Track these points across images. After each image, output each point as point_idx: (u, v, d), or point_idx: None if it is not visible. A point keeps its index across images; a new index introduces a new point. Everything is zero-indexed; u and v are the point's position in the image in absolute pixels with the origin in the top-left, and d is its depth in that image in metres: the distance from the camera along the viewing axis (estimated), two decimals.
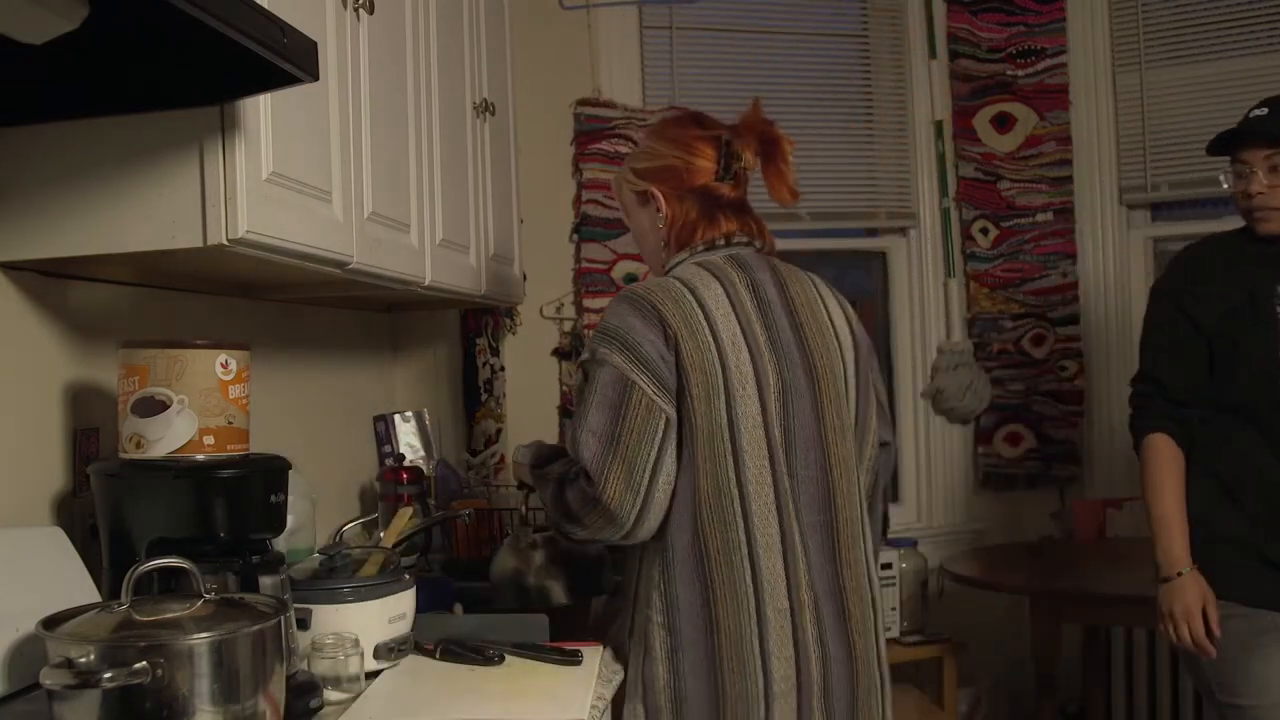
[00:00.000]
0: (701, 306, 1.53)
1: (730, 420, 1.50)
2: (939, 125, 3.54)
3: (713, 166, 1.65)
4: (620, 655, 1.59)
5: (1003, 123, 3.50)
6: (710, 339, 1.51)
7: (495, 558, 1.82)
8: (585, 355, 1.55)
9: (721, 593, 1.48)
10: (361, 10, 1.60)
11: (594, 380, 1.50)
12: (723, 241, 1.63)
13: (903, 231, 3.61)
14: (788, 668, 1.48)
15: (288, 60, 1.12)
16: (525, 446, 1.71)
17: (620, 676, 1.55)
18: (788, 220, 3.50)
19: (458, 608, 1.74)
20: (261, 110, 1.30)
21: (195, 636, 1.02)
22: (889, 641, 3.00)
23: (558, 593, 1.75)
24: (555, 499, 1.52)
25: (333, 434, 2.35)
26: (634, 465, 1.46)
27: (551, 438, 2.86)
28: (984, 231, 3.51)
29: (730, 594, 1.48)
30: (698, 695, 1.47)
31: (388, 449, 2.43)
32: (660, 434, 1.47)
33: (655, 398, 1.48)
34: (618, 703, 1.55)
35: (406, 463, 2.30)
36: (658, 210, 1.66)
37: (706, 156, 1.65)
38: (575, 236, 3.11)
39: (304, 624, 1.41)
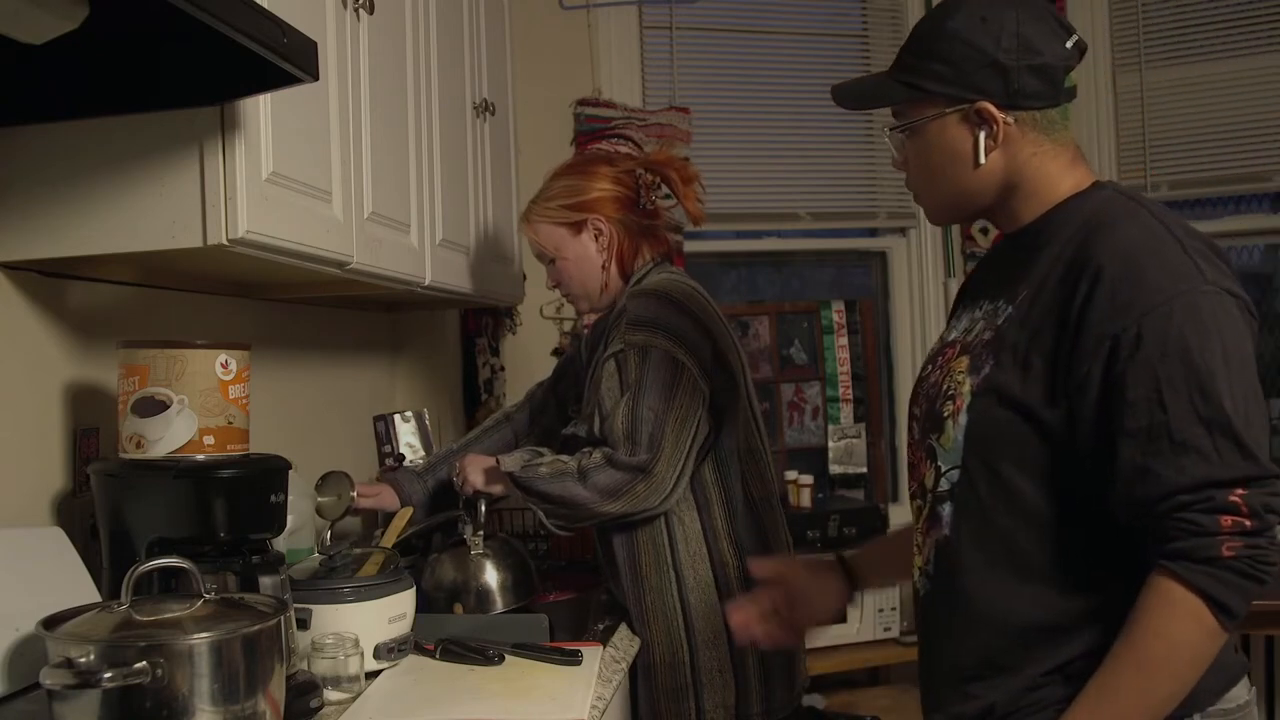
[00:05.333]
0: (708, 300, 1.80)
1: (748, 394, 1.81)
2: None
3: (634, 196, 1.86)
4: (656, 624, 1.75)
5: None
6: (724, 326, 1.79)
7: (431, 568, 1.76)
8: (618, 346, 1.70)
9: (772, 534, 1.79)
10: (361, 10, 1.60)
11: (643, 364, 1.67)
12: (660, 259, 1.87)
13: (903, 231, 3.61)
14: None
15: (288, 60, 1.12)
16: (510, 455, 1.76)
17: (620, 675, 1.56)
18: (788, 220, 3.50)
19: (458, 607, 1.74)
20: (261, 110, 1.30)
21: (195, 636, 1.02)
22: (890, 641, 3.01)
23: (499, 599, 1.74)
24: (580, 486, 1.66)
25: (333, 434, 2.35)
26: (680, 437, 1.66)
27: None
28: (984, 231, 3.51)
29: (775, 534, 1.80)
30: None
31: (388, 449, 2.43)
32: (700, 410, 1.69)
33: (699, 379, 1.69)
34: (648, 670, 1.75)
35: (406, 463, 2.29)
36: (597, 235, 1.84)
37: (628, 186, 1.85)
38: None
39: (304, 624, 1.41)
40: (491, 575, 1.74)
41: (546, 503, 1.68)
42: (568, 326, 3.15)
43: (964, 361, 1.16)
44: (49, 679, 0.98)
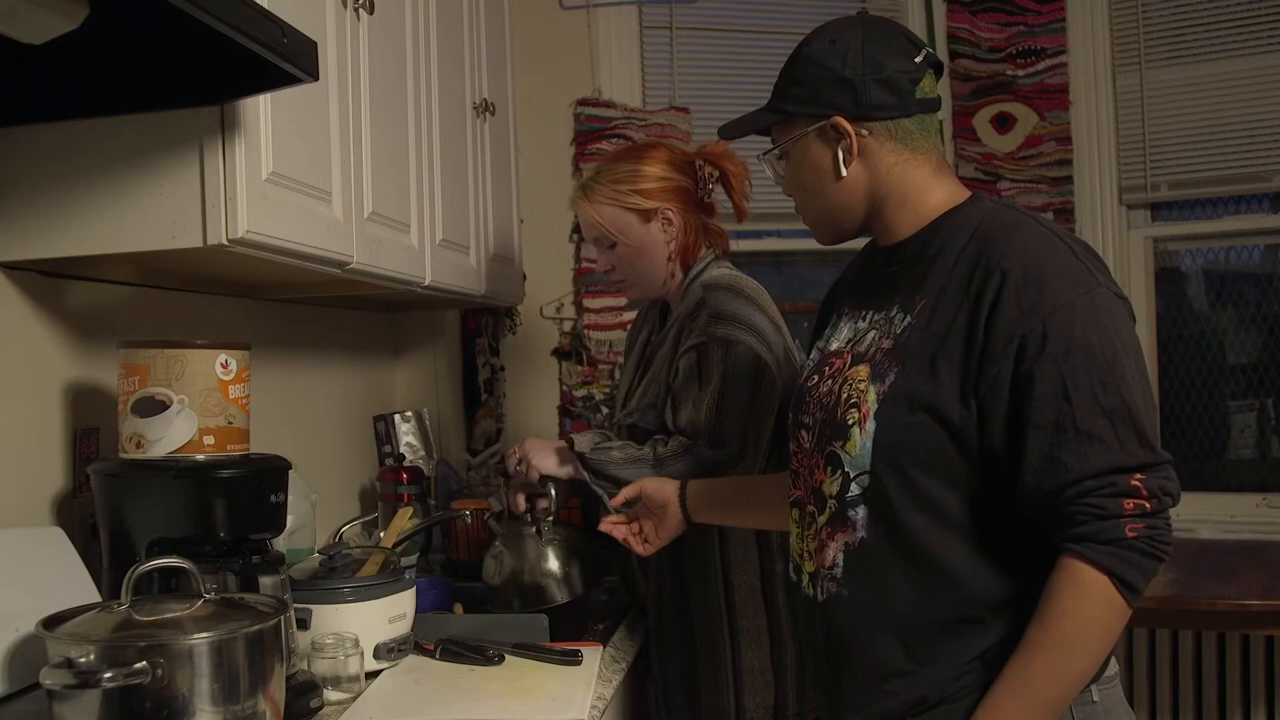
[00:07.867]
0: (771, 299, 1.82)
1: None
2: (939, 125, 3.54)
3: (695, 187, 1.85)
4: (700, 619, 1.75)
5: (1003, 123, 3.50)
6: (785, 325, 1.81)
7: (496, 560, 1.78)
8: (700, 339, 1.70)
9: None
10: (361, 10, 1.60)
11: (727, 358, 1.68)
12: (720, 253, 1.89)
13: None
14: None
15: (288, 60, 1.12)
16: (582, 436, 1.77)
17: (620, 675, 1.56)
18: (788, 220, 3.50)
19: (458, 607, 1.74)
20: (261, 110, 1.30)
21: (195, 636, 1.02)
22: None
23: (557, 591, 1.74)
24: (655, 474, 1.65)
25: (333, 434, 2.35)
26: (762, 434, 1.69)
27: (550, 437, 2.85)
28: None
29: None
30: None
31: (388, 449, 2.43)
32: (778, 404, 1.70)
33: (776, 375, 1.71)
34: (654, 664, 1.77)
35: (406, 463, 2.29)
36: (666, 224, 1.82)
37: (691, 177, 1.84)
38: (575, 236, 3.10)
39: (304, 624, 1.41)
40: (555, 562, 1.74)
41: (617, 487, 1.66)
42: (568, 326, 3.15)
43: (863, 370, 1.21)
44: (49, 679, 0.98)
